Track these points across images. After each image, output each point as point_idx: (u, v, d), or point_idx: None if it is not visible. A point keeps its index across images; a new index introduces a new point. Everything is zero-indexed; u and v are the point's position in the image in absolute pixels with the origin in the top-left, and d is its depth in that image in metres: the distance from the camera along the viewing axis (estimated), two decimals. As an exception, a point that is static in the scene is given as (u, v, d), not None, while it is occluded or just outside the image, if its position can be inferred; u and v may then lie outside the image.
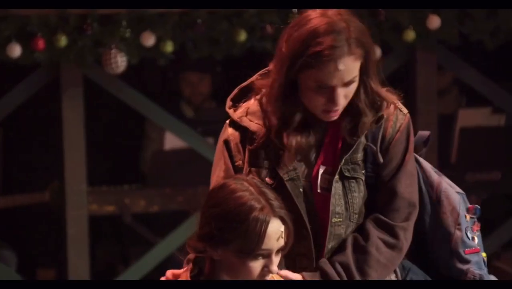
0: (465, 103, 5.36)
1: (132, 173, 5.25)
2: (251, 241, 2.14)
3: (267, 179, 2.36)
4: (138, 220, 5.05)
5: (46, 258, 5.33)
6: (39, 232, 5.35)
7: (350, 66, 2.28)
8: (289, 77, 2.31)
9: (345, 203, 2.35)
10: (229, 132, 2.42)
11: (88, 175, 4.59)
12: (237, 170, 2.39)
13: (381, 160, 2.36)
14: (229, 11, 4.43)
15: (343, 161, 2.35)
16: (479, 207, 2.46)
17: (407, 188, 2.38)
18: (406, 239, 2.36)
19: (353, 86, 2.32)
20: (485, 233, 5.04)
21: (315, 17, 2.30)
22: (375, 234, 2.34)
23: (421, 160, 2.48)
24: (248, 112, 2.39)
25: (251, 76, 2.41)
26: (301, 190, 2.35)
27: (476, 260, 2.44)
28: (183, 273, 2.25)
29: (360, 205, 2.37)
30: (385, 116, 2.37)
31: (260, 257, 2.16)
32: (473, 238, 2.44)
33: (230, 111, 2.43)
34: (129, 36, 4.37)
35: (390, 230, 2.35)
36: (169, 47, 4.42)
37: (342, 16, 2.30)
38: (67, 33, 4.32)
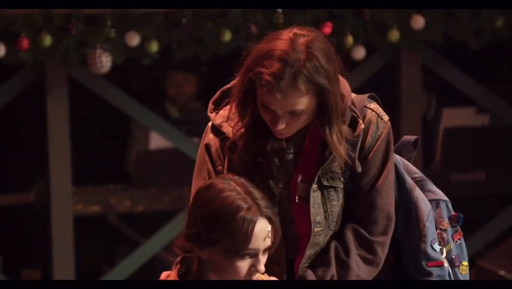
0: (449, 103, 5.38)
1: (117, 173, 5.25)
2: (238, 241, 2.15)
3: None
4: (123, 220, 5.04)
5: (31, 258, 5.31)
6: (24, 232, 5.33)
7: (292, 99, 2.25)
8: (245, 86, 2.30)
9: (324, 212, 2.35)
10: (210, 137, 2.41)
11: (73, 175, 4.58)
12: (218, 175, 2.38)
13: (359, 169, 2.35)
14: (214, 11, 4.43)
15: (320, 170, 2.34)
16: (462, 215, 2.44)
17: (387, 200, 2.37)
18: (383, 253, 2.38)
19: (302, 118, 2.29)
20: (470, 232, 5.06)
21: (283, 38, 2.26)
22: (355, 251, 2.35)
23: (399, 163, 2.47)
24: (228, 118, 2.38)
25: (235, 77, 2.41)
26: (277, 199, 2.34)
27: (438, 274, 2.41)
28: (171, 273, 2.25)
29: (338, 213, 2.38)
30: (363, 126, 2.35)
31: (247, 257, 2.17)
32: (440, 250, 2.42)
33: (212, 116, 2.42)
34: (114, 36, 4.37)
35: (369, 246, 2.36)
36: (154, 47, 4.42)
37: (309, 48, 2.24)
38: (52, 33, 4.31)
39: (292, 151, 2.37)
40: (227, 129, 2.38)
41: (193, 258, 2.21)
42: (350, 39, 4.52)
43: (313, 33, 2.29)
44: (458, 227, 2.46)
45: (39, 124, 4.64)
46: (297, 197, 2.35)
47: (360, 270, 2.35)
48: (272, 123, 2.30)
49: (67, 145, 4.53)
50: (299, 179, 2.36)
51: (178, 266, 2.24)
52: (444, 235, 2.43)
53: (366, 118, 2.38)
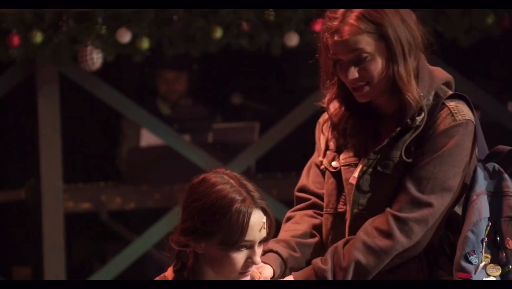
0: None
1: (108, 170, 5.24)
2: (234, 233, 2.15)
3: (333, 163, 2.40)
4: (114, 217, 5.04)
5: (22, 255, 5.31)
6: (15, 230, 5.33)
7: (352, 39, 2.27)
8: (325, 58, 2.33)
9: (370, 196, 2.34)
10: (324, 115, 2.46)
11: (64, 172, 4.58)
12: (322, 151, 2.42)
13: (407, 159, 2.31)
14: (205, 9, 4.43)
15: (373, 154, 2.33)
16: None
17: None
18: (400, 230, 2.28)
19: (372, 66, 2.28)
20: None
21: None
22: (369, 221, 2.32)
23: (481, 173, 2.33)
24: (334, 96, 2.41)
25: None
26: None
27: None
28: (168, 269, 2.26)
29: (385, 201, 2.34)
30: (422, 117, 2.30)
31: (244, 249, 2.17)
32: (476, 265, 2.29)
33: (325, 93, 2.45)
34: (105, 33, 4.36)
35: (385, 219, 2.30)
36: (145, 44, 4.41)
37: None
38: (43, 29, 4.30)
39: (371, 134, 2.36)
40: (331, 106, 2.41)
41: (189, 253, 2.21)
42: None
43: None
44: None
45: (30, 121, 4.64)
46: (352, 178, 2.36)
47: (369, 238, 2.29)
48: (345, 77, 2.30)
49: (58, 142, 4.53)
50: (363, 162, 2.36)
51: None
52: (504, 254, 2.30)
53: (439, 114, 2.32)
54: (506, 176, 2.36)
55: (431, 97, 2.35)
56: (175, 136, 4.87)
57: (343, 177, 2.38)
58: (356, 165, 2.36)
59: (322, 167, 2.44)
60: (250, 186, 2.22)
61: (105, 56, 4.38)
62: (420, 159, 2.31)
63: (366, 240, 2.29)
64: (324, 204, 2.43)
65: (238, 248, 2.17)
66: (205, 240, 2.16)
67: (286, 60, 5.40)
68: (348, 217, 2.37)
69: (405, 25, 2.29)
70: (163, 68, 5.34)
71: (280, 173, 5.20)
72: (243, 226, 2.15)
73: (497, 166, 2.37)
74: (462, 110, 2.33)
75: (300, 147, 5.97)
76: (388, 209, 2.31)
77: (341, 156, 2.39)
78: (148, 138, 5.06)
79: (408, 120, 2.32)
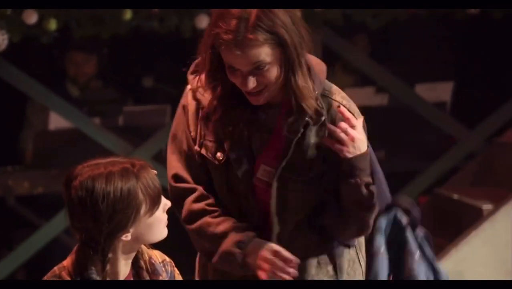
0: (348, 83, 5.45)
1: (16, 155, 5.14)
2: (151, 196, 2.18)
3: (217, 154, 2.37)
4: (21, 202, 4.95)
5: None
6: None
7: (251, 51, 2.25)
8: (209, 53, 2.31)
9: (283, 203, 2.35)
10: (188, 99, 2.41)
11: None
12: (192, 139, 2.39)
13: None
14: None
15: (284, 162, 2.33)
16: None
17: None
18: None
19: (270, 73, 2.28)
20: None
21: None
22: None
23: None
24: (203, 87, 2.37)
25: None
26: (241, 172, 2.35)
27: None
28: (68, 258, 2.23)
29: (302, 204, 2.37)
30: (323, 118, 2.32)
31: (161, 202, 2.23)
32: None
33: (190, 78, 2.41)
34: (10, 13, 4.26)
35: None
36: (52, 25, 4.33)
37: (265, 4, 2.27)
38: None
39: (266, 129, 2.36)
40: (200, 96, 2.37)
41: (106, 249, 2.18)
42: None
43: None
44: None
45: None
46: (255, 178, 2.36)
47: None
48: (242, 85, 2.29)
49: (-38, 125, 4.42)
50: (263, 160, 2.35)
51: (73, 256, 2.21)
52: None
53: (337, 114, 2.33)
54: (407, 230, 2.40)
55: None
56: (85, 120, 4.80)
57: (236, 169, 2.36)
58: (247, 158, 2.35)
59: (199, 157, 2.40)
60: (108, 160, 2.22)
61: (11, 37, 4.28)
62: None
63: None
64: (215, 199, 2.41)
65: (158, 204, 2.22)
66: (132, 223, 2.18)
67: (197, 43, 5.37)
68: (273, 230, 2.37)
69: (295, 26, 2.28)
70: (72, 50, 5.26)
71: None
72: (156, 187, 2.19)
73: (399, 215, 2.42)
74: (355, 110, 2.38)
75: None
76: None
77: (226, 147, 2.36)
78: (57, 121, 4.98)
79: (308, 118, 2.32)
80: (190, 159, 2.41)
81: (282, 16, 2.26)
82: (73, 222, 2.19)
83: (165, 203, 2.23)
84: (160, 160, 4.98)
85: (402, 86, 5.07)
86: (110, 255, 2.18)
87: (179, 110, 2.44)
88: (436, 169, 5.06)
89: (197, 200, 2.40)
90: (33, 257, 4.63)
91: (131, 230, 2.18)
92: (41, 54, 5.59)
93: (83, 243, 2.19)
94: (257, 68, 2.27)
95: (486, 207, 4.48)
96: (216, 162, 2.37)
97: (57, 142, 4.96)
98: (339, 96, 2.38)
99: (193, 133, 2.40)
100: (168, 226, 2.25)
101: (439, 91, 5.38)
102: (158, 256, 2.30)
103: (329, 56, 5.16)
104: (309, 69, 2.32)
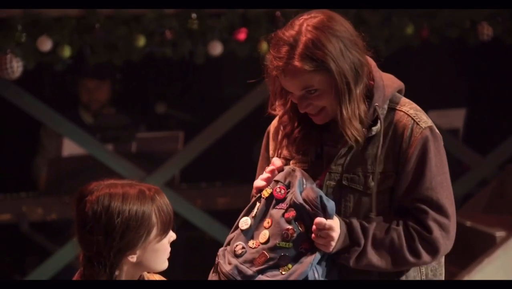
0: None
1: (30, 181, 5.16)
2: (163, 222, 2.22)
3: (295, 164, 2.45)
4: (35, 228, 4.96)
5: None
6: None
7: (299, 78, 2.34)
8: (270, 78, 2.40)
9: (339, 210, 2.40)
10: (272, 123, 2.54)
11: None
12: (270, 158, 2.50)
13: (379, 169, 2.39)
14: (127, 16, 4.41)
15: (335, 167, 2.40)
16: None
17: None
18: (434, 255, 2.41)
19: (322, 97, 2.36)
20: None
21: (292, 25, 2.37)
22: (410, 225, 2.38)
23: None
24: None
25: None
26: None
27: None
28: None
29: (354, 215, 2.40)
30: (378, 127, 2.38)
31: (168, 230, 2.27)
32: None
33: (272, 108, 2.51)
34: (25, 40, 4.30)
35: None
36: (66, 52, 4.37)
37: (312, 28, 2.33)
38: (-38, 37, 4.23)
39: (333, 143, 2.43)
40: (277, 112, 2.48)
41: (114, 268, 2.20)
42: (264, 45, 4.54)
43: (322, 14, 2.37)
44: None
45: None
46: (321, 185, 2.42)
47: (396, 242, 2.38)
48: (300, 107, 2.39)
49: (-24, 151, 4.45)
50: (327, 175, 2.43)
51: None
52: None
53: (400, 122, 2.40)
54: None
55: (386, 106, 2.42)
56: (98, 146, 4.83)
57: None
58: (308, 170, 2.42)
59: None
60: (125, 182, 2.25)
61: (26, 64, 4.32)
62: (407, 177, 2.38)
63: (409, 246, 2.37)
64: None
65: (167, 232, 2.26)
66: (140, 245, 2.20)
67: (210, 69, 5.41)
68: None
69: (347, 54, 2.35)
70: (85, 76, 5.29)
71: (204, 182, 5.20)
72: (169, 211, 2.23)
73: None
74: (422, 118, 2.42)
75: (224, 157, 5.98)
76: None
77: (291, 162, 2.46)
78: (70, 148, 5.01)
79: (351, 142, 2.38)
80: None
81: (332, 44, 2.33)
82: (84, 235, 2.21)
83: (171, 235, 2.27)
84: (173, 186, 5.01)
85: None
86: (116, 273, 2.20)
87: (264, 140, 2.57)
88: (449, 196, 5.06)
89: None
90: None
91: (138, 252, 2.21)
92: (55, 81, 5.64)
93: (90, 259, 2.21)
94: (308, 93, 2.37)
95: (499, 234, 4.48)
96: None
97: (70, 168, 4.99)
98: (407, 106, 2.43)
99: (271, 153, 2.52)
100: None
101: (451, 118, 5.39)
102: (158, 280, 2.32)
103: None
104: (369, 88, 2.38)
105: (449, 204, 2.39)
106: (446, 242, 2.39)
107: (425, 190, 2.36)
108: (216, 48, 4.55)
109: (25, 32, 4.31)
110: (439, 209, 2.37)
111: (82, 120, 5.23)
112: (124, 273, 2.22)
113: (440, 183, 2.38)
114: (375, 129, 2.38)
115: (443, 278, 2.50)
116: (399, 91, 2.48)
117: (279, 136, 2.48)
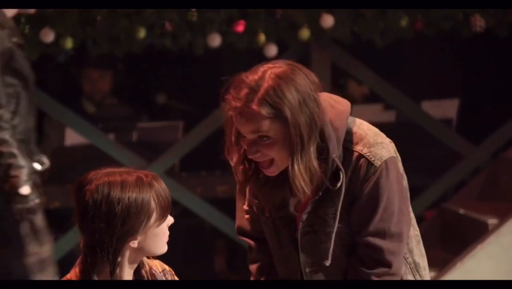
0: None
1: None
2: (162, 206, 2.26)
3: (264, 211, 2.49)
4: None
5: None
6: None
7: (254, 122, 2.33)
8: (227, 118, 2.40)
9: (313, 254, 2.45)
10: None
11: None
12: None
13: (346, 216, 2.41)
14: (129, 9, 4.46)
15: (306, 215, 2.43)
16: None
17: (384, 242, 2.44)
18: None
19: (271, 145, 2.35)
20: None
21: (256, 71, 2.36)
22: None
23: None
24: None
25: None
26: (286, 228, 2.48)
27: None
28: (71, 271, 2.31)
29: (334, 252, 2.44)
30: (342, 178, 2.38)
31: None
32: None
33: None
34: (28, 32, 4.36)
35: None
36: (69, 44, 4.42)
37: (276, 77, 2.33)
38: (-34, 29, 4.27)
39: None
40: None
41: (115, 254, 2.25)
42: (262, 37, 4.61)
43: (286, 66, 2.36)
44: None
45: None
46: (297, 232, 2.46)
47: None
48: (248, 152, 2.38)
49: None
50: (299, 216, 2.46)
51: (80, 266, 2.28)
52: None
53: (357, 164, 2.39)
54: None
55: (340, 150, 2.39)
56: (100, 135, 4.89)
57: (281, 227, 2.48)
58: (288, 218, 2.45)
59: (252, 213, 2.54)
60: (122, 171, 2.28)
61: (29, 55, 4.37)
62: (359, 213, 2.41)
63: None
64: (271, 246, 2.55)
65: (166, 216, 2.30)
66: (141, 230, 2.24)
67: (209, 60, 5.46)
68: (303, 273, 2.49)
69: (305, 108, 2.33)
70: (87, 67, 5.34)
71: (204, 171, 5.25)
72: (167, 195, 2.27)
73: None
74: (377, 154, 2.41)
75: (223, 146, 6.01)
76: (365, 270, 2.42)
77: (269, 207, 2.48)
78: (73, 137, 5.07)
79: (327, 184, 2.39)
80: (248, 212, 2.56)
81: (291, 95, 2.32)
82: (86, 224, 2.23)
83: (169, 219, 2.30)
84: (173, 175, 5.06)
85: (409, 104, 5.15)
86: (119, 259, 2.24)
87: None
88: (442, 184, 5.12)
89: (251, 262, 2.58)
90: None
91: (139, 238, 2.25)
92: (58, 72, 5.69)
93: (93, 247, 2.23)
94: (260, 139, 2.35)
95: (492, 221, 4.52)
96: (264, 218, 2.51)
97: (73, 157, 5.04)
98: (360, 144, 2.41)
99: (246, 193, 2.53)
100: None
101: (445, 108, 5.43)
102: (158, 266, 2.36)
103: (338, 73, 5.26)
104: (322, 138, 2.36)
105: (401, 226, 2.42)
106: (399, 259, 2.45)
107: (377, 223, 2.39)
108: (215, 40, 4.61)
109: (28, 24, 4.36)
110: (392, 237, 2.40)
111: (84, 110, 5.29)
112: (126, 259, 2.25)
113: (392, 212, 2.40)
114: (338, 184, 2.37)
115: (426, 265, 2.55)
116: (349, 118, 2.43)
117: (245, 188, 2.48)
